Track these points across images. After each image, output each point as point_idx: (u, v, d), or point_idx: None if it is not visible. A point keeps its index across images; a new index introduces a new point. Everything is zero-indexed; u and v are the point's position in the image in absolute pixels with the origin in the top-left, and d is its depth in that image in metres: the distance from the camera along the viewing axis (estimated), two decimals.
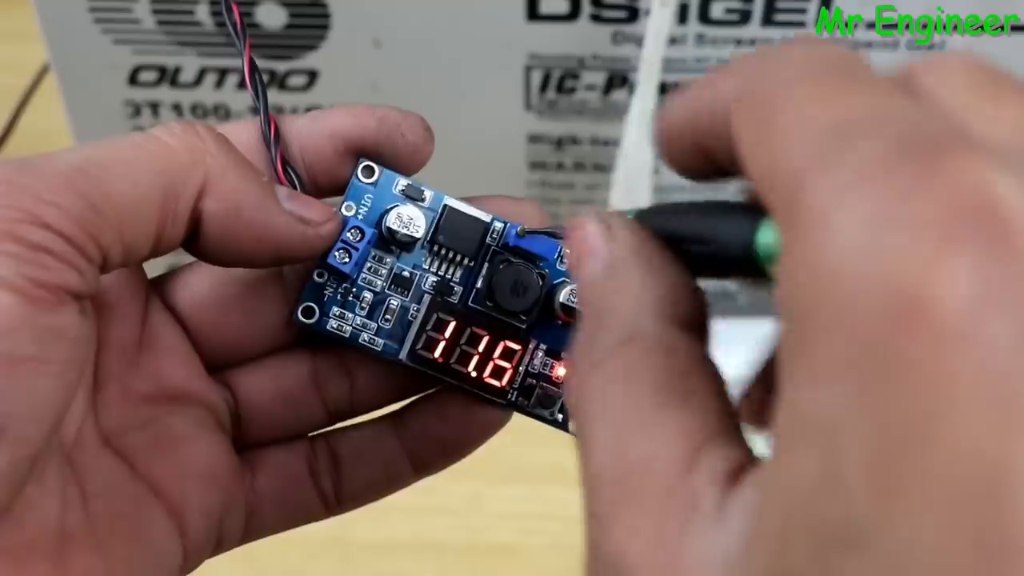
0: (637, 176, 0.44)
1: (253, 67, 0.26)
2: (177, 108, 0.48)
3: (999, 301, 0.12)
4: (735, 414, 0.16)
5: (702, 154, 0.18)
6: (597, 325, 0.17)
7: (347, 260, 0.25)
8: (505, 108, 0.46)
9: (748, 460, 0.15)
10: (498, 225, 0.26)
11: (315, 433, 0.27)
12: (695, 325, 0.17)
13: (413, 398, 0.27)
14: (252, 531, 0.26)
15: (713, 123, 0.17)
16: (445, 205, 0.26)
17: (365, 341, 0.26)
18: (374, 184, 0.25)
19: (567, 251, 0.19)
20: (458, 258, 0.26)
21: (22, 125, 0.61)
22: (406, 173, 0.26)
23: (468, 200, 0.26)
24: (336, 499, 0.27)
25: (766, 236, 0.16)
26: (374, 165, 0.25)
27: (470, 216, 0.26)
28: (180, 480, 0.24)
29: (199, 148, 0.23)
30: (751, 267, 0.16)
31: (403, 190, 0.26)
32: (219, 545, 0.25)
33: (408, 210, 0.25)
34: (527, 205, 0.27)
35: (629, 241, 0.18)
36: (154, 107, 0.48)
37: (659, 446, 0.15)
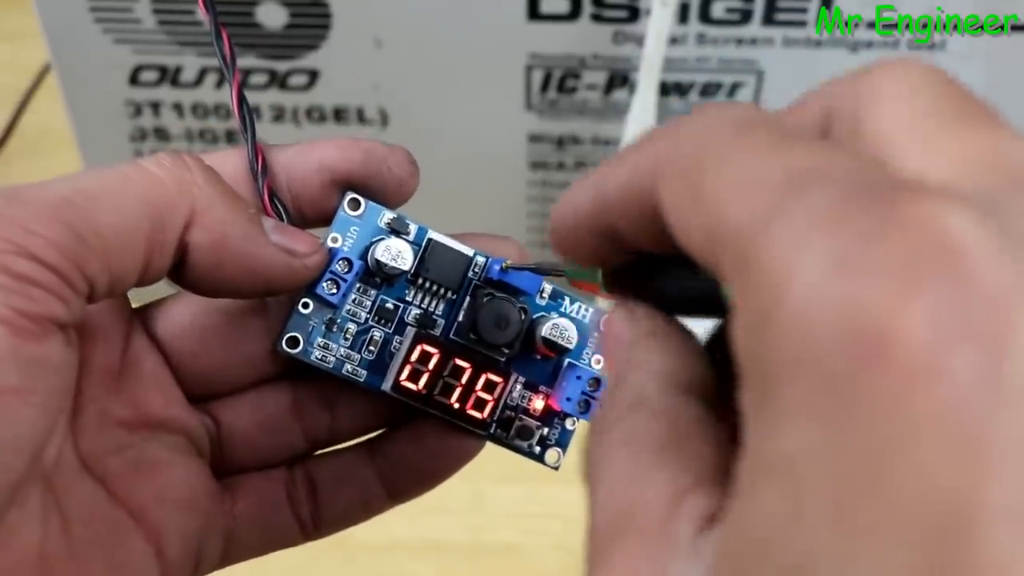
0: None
1: (242, 98, 0.26)
2: (178, 108, 0.48)
3: (960, 338, 0.12)
4: (727, 465, 0.16)
5: (605, 237, 0.18)
6: (611, 396, 0.18)
7: (335, 291, 0.25)
8: (506, 108, 0.47)
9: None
10: (480, 260, 0.26)
11: (293, 460, 0.27)
12: (698, 388, 0.18)
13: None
14: (230, 555, 0.26)
15: (625, 201, 0.17)
16: (429, 239, 0.26)
17: (348, 372, 0.26)
18: (360, 217, 0.26)
19: (600, 344, 0.20)
20: (441, 291, 0.26)
21: (23, 125, 0.61)
22: (391, 206, 0.26)
23: (451, 235, 0.26)
24: (313, 525, 0.27)
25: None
26: (360, 198, 0.26)
27: (453, 250, 0.26)
28: (159, 505, 0.24)
29: (187, 179, 0.23)
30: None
31: (388, 223, 0.26)
32: (197, 569, 0.26)
33: (396, 243, 0.25)
34: (508, 244, 0.27)
35: (646, 324, 0.19)
36: (155, 107, 0.48)
37: (647, 495, 0.16)
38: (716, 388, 0.18)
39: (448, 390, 0.26)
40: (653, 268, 0.19)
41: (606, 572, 0.15)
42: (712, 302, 0.16)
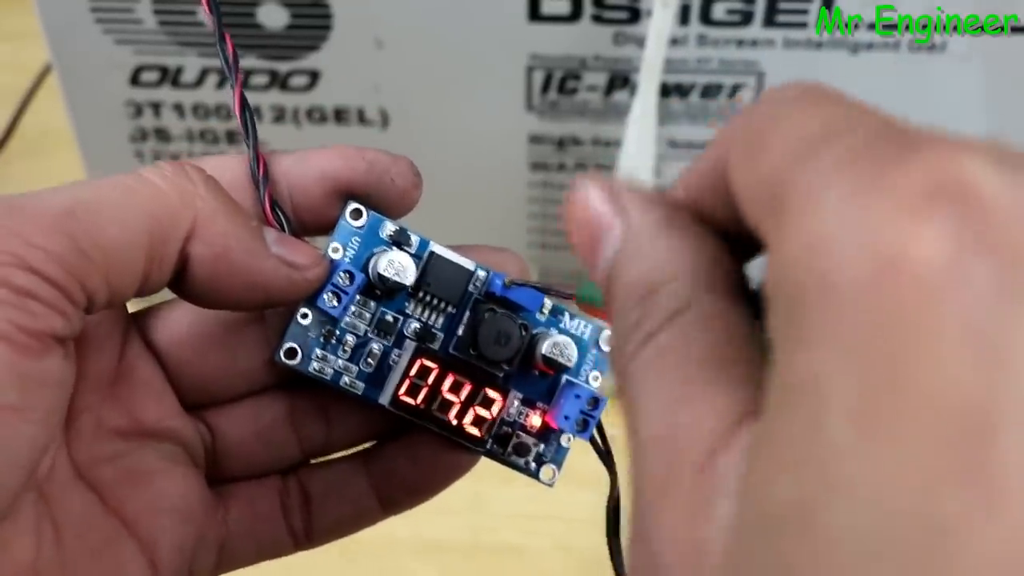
0: (638, 176, 0.44)
1: (244, 103, 0.25)
2: (179, 108, 0.48)
3: (976, 250, 0.12)
4: None
5: (715, 222, 0.18)
6: (637, 308, 0.17)
7: (336, 304, 0.25)
8: (506, 109, 0.47)
9: None
10: (481, 274, 0.26)
11: (287, 469, 0.27)
12: (740, 293, 0.17)
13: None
14: (223, 565, 0.26)
15: (716, 178, 0.17)
16: (431, 252, 0.26)
17: (346, 384, 0.26)
18: (361, 227, 0.25)
19: (570, 230, 0.18)
20: (442, 305, 0.26)
21: (23, 125, 0.61)
22: (393, 217, 0.26)
23: (452, 248, 0.26)
24: (305, 534, 0.27)
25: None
26: (362, 208, 0.25)
27: (454, 264, 0.26)
28: (152, 515, 0.24)
29: (189, 191, 0.23)
30: None
31: (391, 235, 0.26)
32: None
33: (399, 256, 0.25)
34: (508, 255, 0.27)
35: (650, 214, 0.18)
36: (155, 107, 0.48)
37: (697, 419, 0.15)
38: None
39: (446, 406, 0.26)
40: None
41: (658, 510, 0.15)
42: None
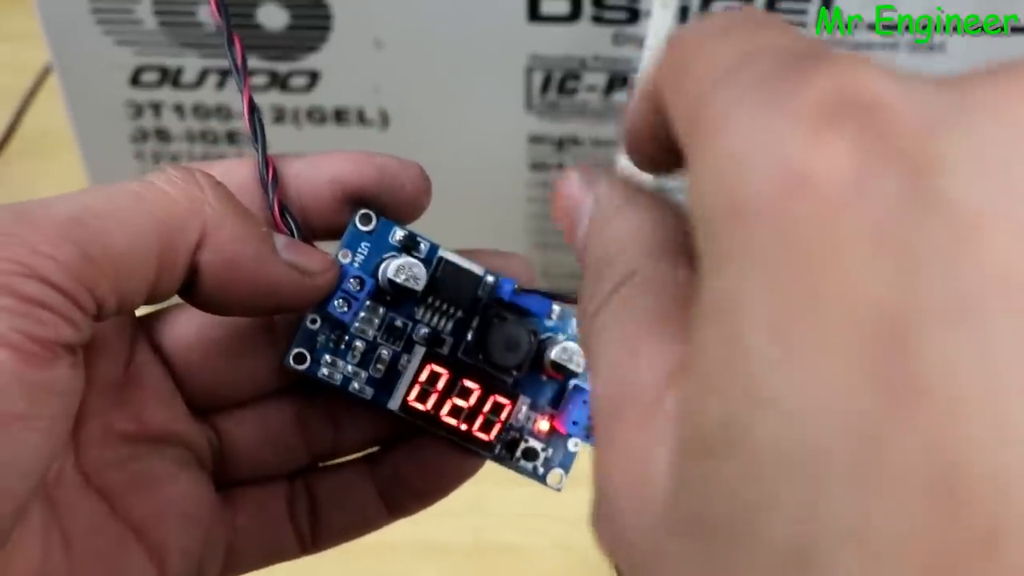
0: (638, 177, 0.44)
1: (252, 107, 0.25)
2: (179, 109, 0.48)
3: (881, 162, 0.12)
4: None
5: (657, 142, 0.18)
6: (597, 275, 0.18)
7: (346, 310, 0.25)
8: (506, 109, 0.47)
9: None
10: (490, 279, 0.26)
11: (294, 473, 0.27)
12: (685, 251, 0.18)
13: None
14: (229, 569, 0.26)
15: (656, 103, 0.17)
16: (440, 257, 0.26)
17: (355, 389, 0.26)
18: (371, 232, 0.25)
19: (557, 217, 0.20)
20: (451, 310, 0.26)
21: (24, 126, 0.61)
22: (403, 222, 0.26)
23: (461, 252, 0.26)
24: (312, 539, 0.27)
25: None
26: (372, 213, 0.25)
27: (464, 269, 0.26)
28: (161, 520, 0.24)
29: (198, 198, 0.22)
30: None
31: (400, 240, 0.25)
32: None
33: (410, 263, 0.25)
34: (516, 260, 0.27)
35: (619, 192, 0.19)
36: (156, 108, 0.48)
37: (642, 368, 0.16)
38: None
39: (456, 411, 0.26)
40: None
41: (606, 448, 0.16)
42: None
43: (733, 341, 0.13)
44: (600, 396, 0.16)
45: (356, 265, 0.25)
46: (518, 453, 0.27)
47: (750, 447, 0.12)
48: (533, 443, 0.27)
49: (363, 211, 0.25)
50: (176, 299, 0.24)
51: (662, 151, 0.18)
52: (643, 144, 0.19)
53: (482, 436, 0.26)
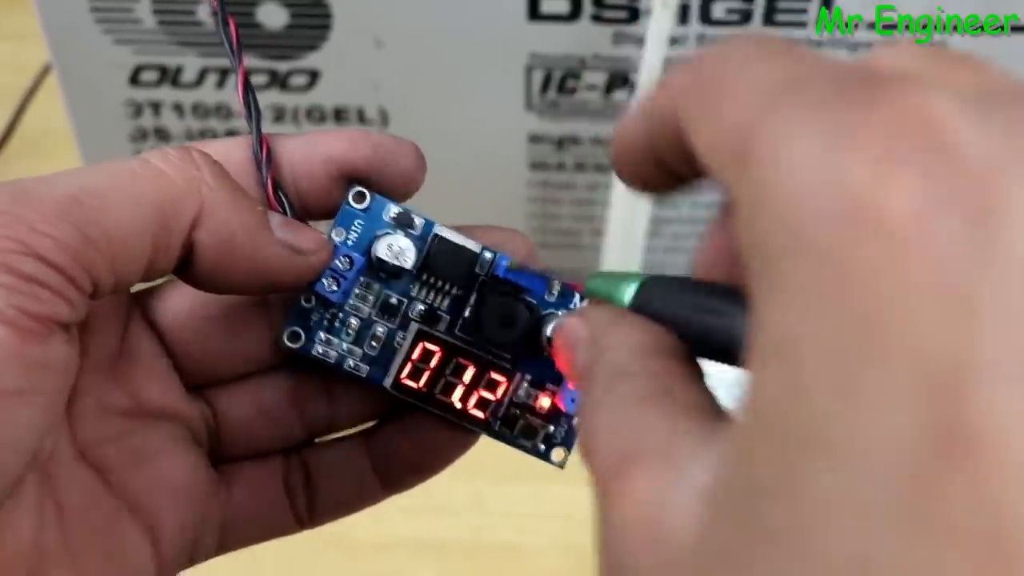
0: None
1: (247, 86, 0.25)
2: (178, 108, 0.48)
3: (947, 204, 0.12)
4: (718, 407, 0.17)
5: (656, 163, 0.18)
6: (591, 378, 0.18)
7: (335, 288, 0.25)
8: (506, 108, 0.47)
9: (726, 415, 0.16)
10: (487, 256, 0.26)
11: (289, 448, 0.27)
12: (672, 351, 0.18)
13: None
14: (225, 545, 0.26)
15: (664, 124, 0.17)
16: (435, 234, 0.26)
17: (350, 367, 0.26)
18: (365, 210, 0.25)
19: (559, 352, 0.20)
20: (446, 287, 0.26)
21: (23, 125, 0.61)
22: (397, 200, 0.26)
23: (457, 228, 0.26)
24: (308, 514, 0.27)
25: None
26: (366, 191, 0.25)
27: (460, 246, 0.26)
28: (155, 495, 0.24)
29: (195, 177, 0.22)
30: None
31: (394, 217, 0.25)
32: (192, 559, 0.25)
33: (398, 240, 0.25)
34: (515, 235, 0.27)
35: (605, 315, 0.19)
36: (155, 107, 0.48)
37: (648, 430, 0.16)
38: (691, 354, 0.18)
39: (450, 388, 0.26)
40: (678, 301, 0.19)
41: (617, 497, 0.15)
42: (730, 346, 0.17)
43: (794, 387, 0.13)
44: (604, 460, 0.16)
45: (349, 244, 0.25)
46: (516, 430, 0.26)
47: (806, 497, 0.12)
48: (533, 420, 0.26)
49: (357, 188, 0.25)
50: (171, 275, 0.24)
51: (661, 172, 0.18)
52: (639, 164, 0.19)
53: (477, 414, 0.26)
